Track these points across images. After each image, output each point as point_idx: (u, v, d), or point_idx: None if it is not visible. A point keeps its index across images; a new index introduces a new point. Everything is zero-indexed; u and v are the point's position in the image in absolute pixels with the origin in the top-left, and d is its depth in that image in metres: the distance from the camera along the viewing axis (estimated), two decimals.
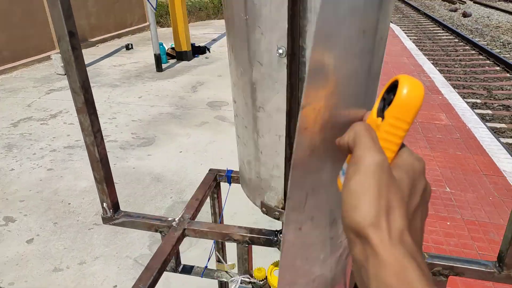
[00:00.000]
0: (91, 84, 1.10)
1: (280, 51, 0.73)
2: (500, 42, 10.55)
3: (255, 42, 0.74)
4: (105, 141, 1.19)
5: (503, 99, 6.41)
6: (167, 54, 8.56)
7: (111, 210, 1.24)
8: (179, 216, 1.24)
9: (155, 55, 7.63)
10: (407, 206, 0.40)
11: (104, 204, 1.24)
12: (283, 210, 0.92)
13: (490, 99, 6.42)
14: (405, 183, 0.41)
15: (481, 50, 9.30)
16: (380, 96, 0.45)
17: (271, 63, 0.74)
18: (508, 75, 7.57)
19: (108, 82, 7.13)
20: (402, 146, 0.44)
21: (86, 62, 1.05)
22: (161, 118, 5.44)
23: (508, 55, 9.14)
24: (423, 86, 0.41)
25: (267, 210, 0.91)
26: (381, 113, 0.43)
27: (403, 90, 0.40)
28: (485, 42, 10.57)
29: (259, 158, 0.87)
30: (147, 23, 11.21)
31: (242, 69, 0.79)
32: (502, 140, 4.82)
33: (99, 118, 1.15)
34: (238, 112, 0.88)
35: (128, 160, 4.30)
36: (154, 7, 7.31)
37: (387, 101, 0.43)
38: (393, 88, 0.42)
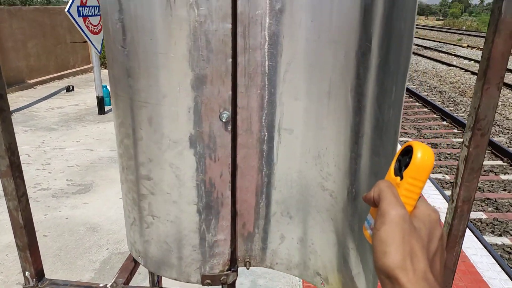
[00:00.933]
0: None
1: (225, 115, 0.74)
2: (428, 86, 11.59)
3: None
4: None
5: (431, 137, 6.96)
6: None
7: (34, 280, 1.14)
8: (112, 282, 1.17)
9: (97, 97, 7.42)
10: (427, 251, 0.47)
11: (27, 273, 1.13)
12: (229, 271, 0.90)
13: (420, 138, 6.93)
14: (424, 231, 0.48)
15: (411, 93, 10.14)
16: (395, 158, 0.52)
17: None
18: (435, 116, 8.27)
19: (44, 125, 6.75)
20: (419, 199, 0.51)
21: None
22: (100, 163, 5.20)
23: (435, 98, 10.03)
24: (432, 151, 0.48)
25: (211, 280, 0.87)
26: (398, 173, 0.50)
27: (417, 155, 0.48)
28: (414, 86, 11.56)
29: (198, 228, 0.84)
30: (91, 65, 10.91)
31: (161, 146, 0.79)
32: (432, 175, 5.18)
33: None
34: (156, 189, 0.84)
35: (61, 210, 4.00)
36: (99, 50, 7.18)
37: (402, 163, 0.50)
38: (407, 152, 0.50)
